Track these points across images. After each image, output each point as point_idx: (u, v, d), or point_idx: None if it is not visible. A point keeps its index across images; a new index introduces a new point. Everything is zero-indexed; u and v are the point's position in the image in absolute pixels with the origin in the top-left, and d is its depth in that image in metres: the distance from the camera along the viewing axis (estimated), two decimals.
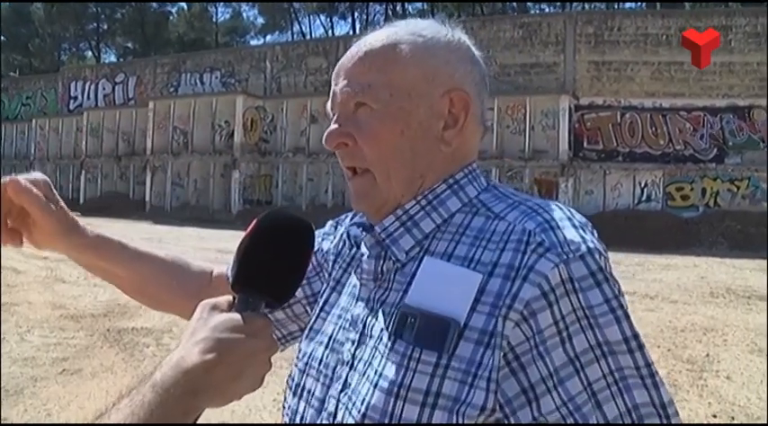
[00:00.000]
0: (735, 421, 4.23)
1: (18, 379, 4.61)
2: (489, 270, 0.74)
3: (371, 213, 0.87)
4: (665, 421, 0.72)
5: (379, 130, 0.82)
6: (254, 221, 0.76)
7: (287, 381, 0.91)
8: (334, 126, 0.85)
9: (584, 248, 0.73)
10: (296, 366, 0.91)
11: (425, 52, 0.84)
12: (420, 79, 0.83)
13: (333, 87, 0.87)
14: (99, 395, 4.34)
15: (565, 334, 0.71)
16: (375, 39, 0.85)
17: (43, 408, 4.10)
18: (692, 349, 6.01)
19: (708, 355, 5.80)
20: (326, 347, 0.86)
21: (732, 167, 19.06)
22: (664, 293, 8.95)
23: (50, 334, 5.93)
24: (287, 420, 0.89)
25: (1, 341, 5.57)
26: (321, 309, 0.93)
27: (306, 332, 0.93)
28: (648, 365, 0.72)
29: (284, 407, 0.90)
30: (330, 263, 0.99)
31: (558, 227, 0.75)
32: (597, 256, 0.73)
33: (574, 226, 0.76)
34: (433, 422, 0.71)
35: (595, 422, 0.69)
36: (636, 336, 0.73)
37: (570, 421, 0.68)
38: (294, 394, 0.88)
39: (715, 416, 4.28)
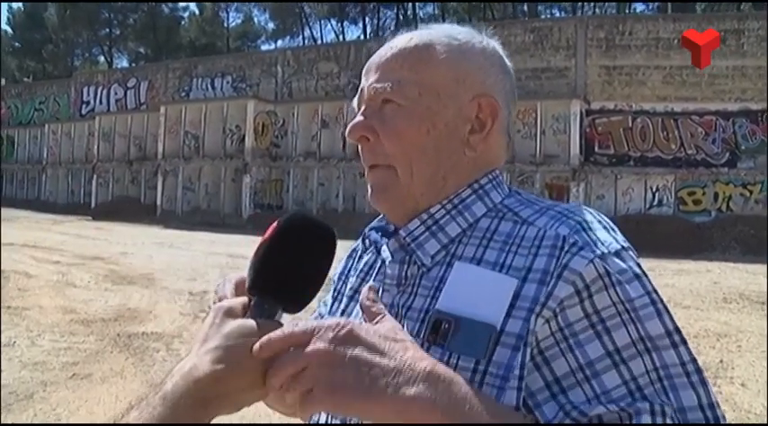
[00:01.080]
0: None
1: (28, 384, 4.62)
2: (523, 275, 0.73)
3: (389, 211, 0.86)
4: (712, 422, 0.70)
5: (404, 128, 0.81)
6: (275, 223, 0.74)
7: None
8: (359, 118, 0.85)
9: (617, 245, 0.74)
10: None
11: (459, 55, 0.84)
12: (450, 81, 0.83)
13: (362, 83, 0.86)
14: (109, 400, 4.34)
15: (601, 327, 0.70)
16: (409, 38, 0.85)
17: (53, 413, 4.10)
18: (705, 355, 5.94)
19: (722, 361, 5.73)
20: None
21: (745, 171, 18.90)
22: (676, 298, 8.87)
23: (61, 339, 5.95)
24: None
25: (0, 345, 5.59)
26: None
27: None
28: (693, 360, 0.72)
29: (310, 421, 0.86)
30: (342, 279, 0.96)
31: (591, 229, 0.75)
32: (632, 253, 0.75)
33: (605, 227, 0.77)
34: None
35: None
36: (678, 330, 0.73)
37: (596, 412, 0.66)
38: None
39: (738, 424, 4.22)
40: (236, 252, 12.49)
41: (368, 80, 0.85)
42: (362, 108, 0.85)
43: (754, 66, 18.81)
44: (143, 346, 5.77)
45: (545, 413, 0.68)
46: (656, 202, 19.67)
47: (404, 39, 0.85)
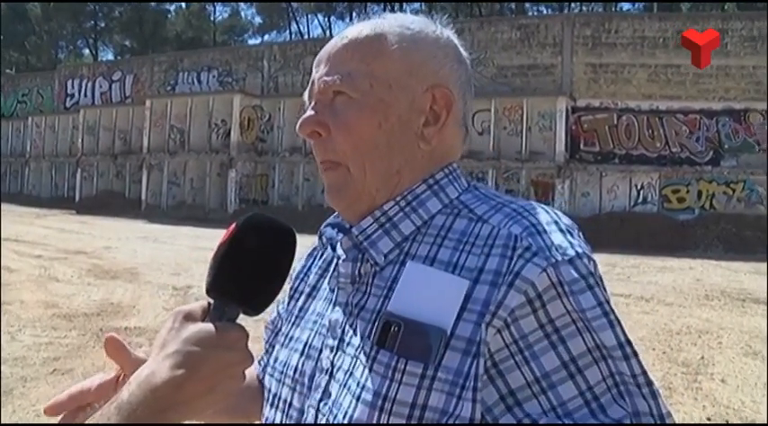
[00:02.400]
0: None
1: (8, 379, 4.57)
2: (475, 276, 0.71)
3: (345, 210, 0.83)
4: None
5: (355, 121, 0.78)
6: (232, 225, 0.71)
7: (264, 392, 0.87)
8: (309, 112, 0.82)
9: (572, 252, 0.71)
10: (271, 375, 0.86)
11: (411, 45, 0.81)
12: (403, 72, 0.80)
13: (312, 75, 0.83)
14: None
15: (555, 337, 0.68)
16: (361, 27, 0.82)
17: (32, 409, 4.07)
18: (687, 351, 6.00)
19: (703, 358, 5.79)
20: (302, 354, 0.82)
21: (728, 170, 19.09)
22: (659, 295, 8.95)
23: (42, 334, 5.89)
24: None
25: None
26: (296, 316, 0.88)
27: (280, 339, 0.88)
28: (644, 373, 0.70)
29: (264, 419, 0.86)
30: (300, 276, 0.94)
31: (545, 231, 0.72)
32: (586, 260, 0.71)
33: (561, 230, 0.73)
34: None
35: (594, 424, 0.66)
36: (629, 342, 0.71)
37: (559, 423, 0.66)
38: (271, 405, 0.84)
39: (709, 419, 4.27)
40: None
41: (318, 72, 0.82)
42: (313, 102, 0.83)
43: (738, 65, 18.99)
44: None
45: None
46: (640, 200, 19.82)
47: (355, 30, 0.82)
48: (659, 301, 8.53)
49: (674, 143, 19.71)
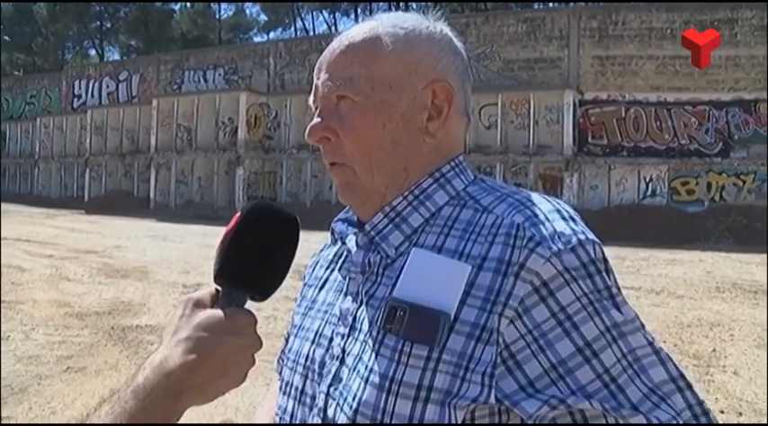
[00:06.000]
0: (742, 417, 4.21)
1: (23, 377, 4.60)
2: (479, 263, 0.74)
3: (359, 208, 0.87)
4: (687, 392, 0.73)
5: (360, 124, 0.82)
6: (238, 213, 0.75)
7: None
8: (316, 120, 0.85)
9: (575, 240, 0.73)
10: (285, 365, 0.90)
11: (407, 44, 0.84)
12: (402, 71, 0.83)
13: (315, 81, 0.86)
14: (103, 393, 4.33)
15: (568, 324, 0.71)
16: (356, 32, 0.85)
17: (48, 406, 4.10)
18: (698, 344, 5.98)
19: (714, 350, 5.77)
20: (312, 342, 0.85)
21: (738, 161, 18.95)
22: (669, 288, 8.91)
23: (55, 332, 5.93)
24: (277, 420, 0.88)
25: (0, 339, 5.58)
26: (307, 307, 0.91)
27: (293, 330, 0.92)
28: (654, 341, 0.74)
29: (277, 408, 0.89)
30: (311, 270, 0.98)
31: (548, 220, 0.75)
32: (589, 247, 0.74)
33: (563, 218, 0.76)
34: (426, 416, 0.70)
35: (618, 405, 0.69)
36: (637, 316, 0.75)
37: (580, 407, 0.68)
38: (284, 393, 0.88)
39: (723, 412, 4.25)
40: None
41: (320, 78, 0.86)
42: (318, 107, 0.86)
43: (748, 55, 18.84)
44: (137, 339, 5.76)
45: (525, 409, 0.69)
46: (649, 192, 19.73)
47: (351, 35, 0.85)
48: (670, 294, 8.49)
49: (683, 135, 19.59)
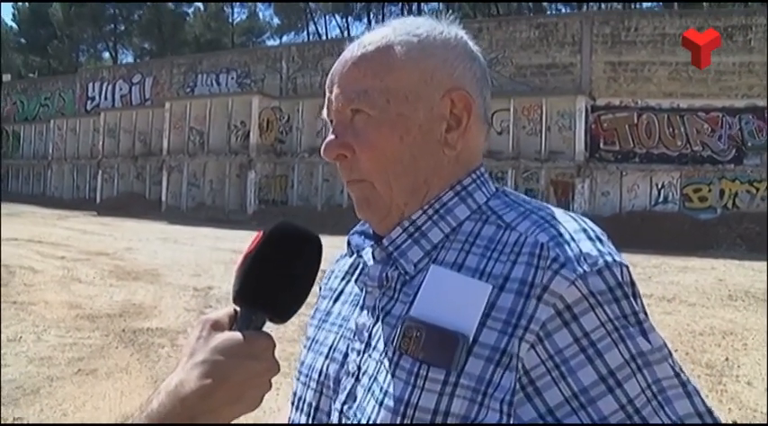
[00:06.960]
0: None
1: (34, 379, 4.63)
2: (500, 283, 0.70)
3: (378, 224, 0.82)
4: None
5: (376, 139, 0.78)
6: (260, 233, 0.73)
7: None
8: (331, 136, 0.81)
9: (601, 262, 0.69)
10: (297, 379, 0.87)
11: (421, 52, 0.80)
12: (418, 81, 0.79)
13: (327, 94, 0.82)
14: (114, 396, 4.36)
15: (592, 351, 0.67)
16: (368, 42, 0.81)
17: (59, 408, 4.12)
18: (710, 353, 5.92)
19: (727, 359, 5.71)
20: (326, 357, 0.82)
21: (751, 168, 18.82)
22: (681, 296, 8.85)
23: (66, 334, 5.96)
24: None
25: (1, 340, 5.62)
26: (321, 319, 0.88)
27: (307, 343, 0.89)
28: (682, 371, 0.70)
29: (289, 421, 0.87)
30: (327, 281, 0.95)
31: (573, 240, 0.71)
32: (616, 270, 0.70)
33: (590, 238, 0.72)
34: None
35: None
36: (665, 344, 0.71)
37: None
38: (296, 408, 0.85)
39: (736, 423, 4.21)
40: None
41: (333, 91, 0.81)
42: (333, 123, 0.82)
43: (761, 62, 18.71)
44: (148, 341, 5.78)
45: None
46: (661, 199, 19.63)
47: (363, 43, 0.81)
48: (681, 301, 8.43)
49: (696, 141, 19.48)
